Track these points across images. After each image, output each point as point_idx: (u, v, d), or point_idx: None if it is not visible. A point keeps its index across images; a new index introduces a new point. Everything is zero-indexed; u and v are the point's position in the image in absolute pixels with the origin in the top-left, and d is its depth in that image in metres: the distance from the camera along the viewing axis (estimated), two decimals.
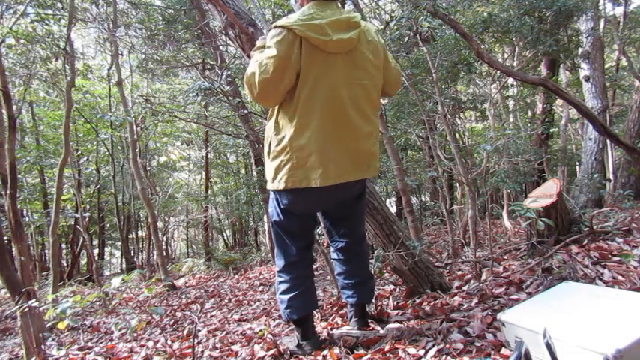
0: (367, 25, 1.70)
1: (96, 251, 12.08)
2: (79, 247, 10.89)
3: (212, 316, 3.66)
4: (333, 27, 1.55)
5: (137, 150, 7.46)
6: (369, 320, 1.94)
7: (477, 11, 5.68)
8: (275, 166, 1.62)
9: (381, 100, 1.93)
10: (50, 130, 9.95)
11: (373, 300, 2.10)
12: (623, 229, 2.55)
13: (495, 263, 2.61)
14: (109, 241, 13.88)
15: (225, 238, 13.15)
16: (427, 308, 2.03)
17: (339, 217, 1.87)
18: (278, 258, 1.82)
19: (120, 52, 7.90)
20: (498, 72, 4.62)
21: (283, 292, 1.78)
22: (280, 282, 1.80)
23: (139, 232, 13.35)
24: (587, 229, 2.52)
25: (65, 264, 10.99)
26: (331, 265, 2.02)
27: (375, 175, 1.86)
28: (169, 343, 2.60)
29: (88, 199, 11.35)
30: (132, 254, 12.44)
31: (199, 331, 2.89)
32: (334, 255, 1.96)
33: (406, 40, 3.79)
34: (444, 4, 3.86)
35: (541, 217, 2.38)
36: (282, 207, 1.72)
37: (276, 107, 1.65)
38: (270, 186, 1.68)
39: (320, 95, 1.56)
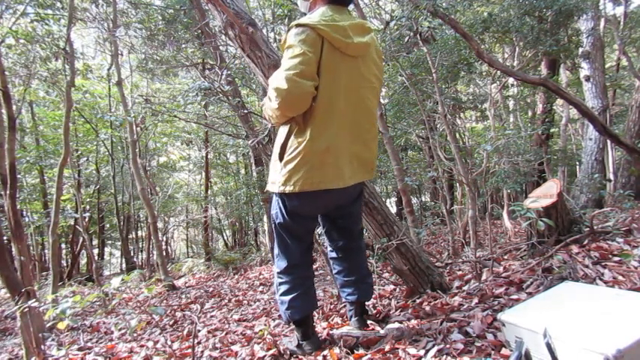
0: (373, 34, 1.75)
1: (96, 251, 12.08)
2: (78, 247, 10.87)
3: (212, 316, 3.66)
4: (353, 30, 1.58)
5: (137, 150, 7.46)
6: (369, 321, 1.94)
7: (477, 11, 5.69)
8: (290, 169, 1.56)
9: (381, 100, 1.96)
10: (50, 130, 9.95)
11: (373, 300, 2.10)
12: (623, 229, 2.55)
13: (495, 263, 2.61)
14: (109, 241, 13.86)
15: (225, 238, 13.14)
16: (427, 308, 2.02)
17: (339, 217, 1.87)
18: (280, 260, 1.79)
19: (120, 52, 7.90)
20: (498, 72, 4.62)
21: (284, 294, 1.76)
22: (281, 283, 1.78)
23: (139, 232, 13.34)
24: (588, 229, 2.51)
25: (65, 264, 10.97)
26: (331, 266, 2.01)
27: (373, 177, 1.87)
28: (169, 343, 2.60)
29: (88, 199, 11.35)
30: (132, 254, 12.42)
31: (199, 331, 2.89)
32: (332, 254, 1.96)
33: (406, 40, 3.79)
34: (444, 4, 3.86)
35: (541, 217, 2.38)
36: (288, 209, 1.68)
37: None
38: (279, 189, 1.61)
39: (339, 98, 1.56)
